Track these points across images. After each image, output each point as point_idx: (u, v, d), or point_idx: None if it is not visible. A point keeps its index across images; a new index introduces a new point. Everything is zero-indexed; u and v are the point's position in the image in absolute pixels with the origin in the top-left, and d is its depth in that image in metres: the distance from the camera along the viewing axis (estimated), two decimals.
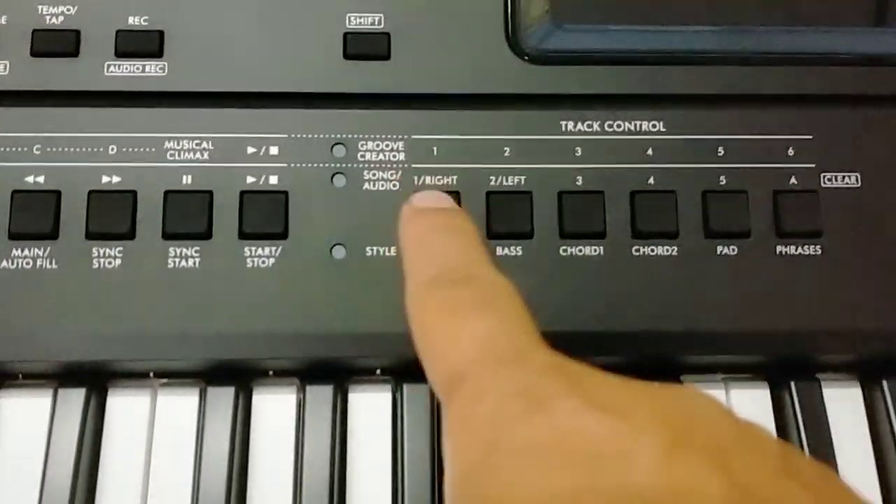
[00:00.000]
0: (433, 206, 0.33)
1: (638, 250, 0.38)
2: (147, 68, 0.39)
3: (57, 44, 0.38)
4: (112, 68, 0.38)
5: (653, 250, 0.38)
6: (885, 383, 0.39)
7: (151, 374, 0.38)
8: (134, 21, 0.39)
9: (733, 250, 0.38)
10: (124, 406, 0.38)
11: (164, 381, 0.38)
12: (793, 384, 0.39)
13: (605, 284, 0.38)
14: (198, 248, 0.37)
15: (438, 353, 0.27)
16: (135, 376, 0.38)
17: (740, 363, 0.39)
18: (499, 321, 0.27)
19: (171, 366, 0.38)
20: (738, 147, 0.39)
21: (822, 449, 0.38)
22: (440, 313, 0.28)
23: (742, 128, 0.39)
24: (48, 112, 0.38)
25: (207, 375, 0.38)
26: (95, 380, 0.38)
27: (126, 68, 0.39)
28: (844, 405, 0.39)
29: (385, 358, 0.38)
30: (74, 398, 0.37)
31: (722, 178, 0.39)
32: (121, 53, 0.38)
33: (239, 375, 0.38)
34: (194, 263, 0.37)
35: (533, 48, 0.40)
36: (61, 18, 0.39)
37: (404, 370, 0.38)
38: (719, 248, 0.38)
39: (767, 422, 0.39)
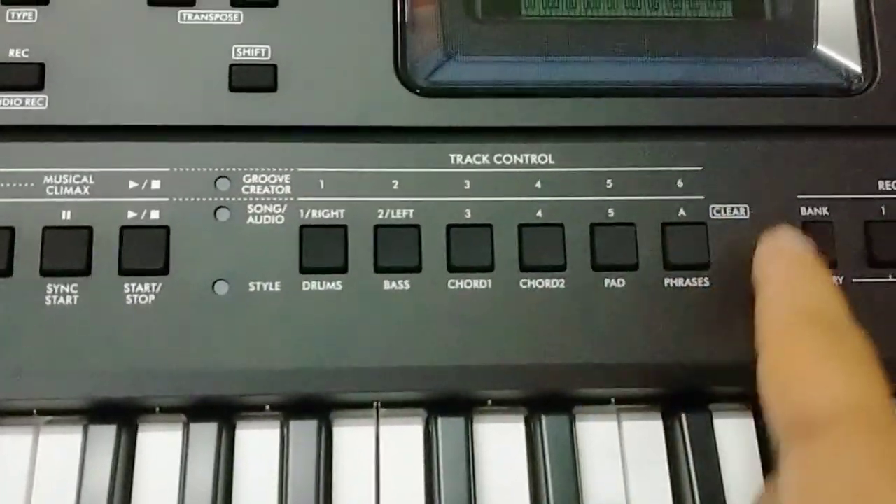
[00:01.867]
0: (798, 249, 0.35)
1: (526, 283, 0.38)
2: (27, 101, 0.38)
3: None
4: None
5: (541, 283, 0.38)
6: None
7: (35, 412, 0.38)
8: (14, 54, 0.38)
9: (621, 283, 0.38)
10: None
11: (48, 419, 0.38)
12: (684, 415, 0.39)
13: (495, 318, 0.38)
14: (76, 284, 0.37)
15: (800, 389, 0.28)
16: (17, 414, 0.38)
17: (633, 395, 0.39)
18: (875, 384, 0.28)
19: (53, 404, 0.37)
20: (626, 179, 0.39)
21: (712, 479, 0.38)
22: (812, 353, 0.29)
23: (630, 159, 0.39)
24: None
25: (90, 413, 0.37)
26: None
27: (5, 101, 0.38)
28: (735, 436, 0.39)
29: (272, 394, 0.38)
30: None
31: (610, 210, 0.39)
32: (0, 87, 0.38)
33: (125, 413, 0.37)
34: (72, 301, 0.36)
35: (422, 80, 0.40)
36: None
37: (293, 407, 0.38)
38: (607, 281, 0.38)
39: (659, 451, 0.39)
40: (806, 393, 0.28)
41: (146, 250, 0.37)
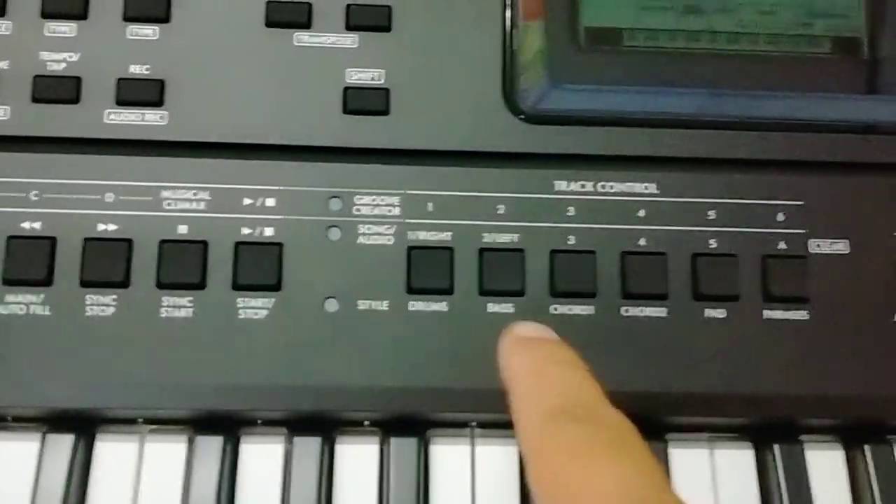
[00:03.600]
0: (539, 336, 0.33)
1: (627, 311, 0.39)
2: (147, 116, 0.39)
3: (58, 90, 0.39)
4: (112, 116, 0.39)
5: (642, 311, 0.39)
6: (867, 448, 0.39)
7: (140, 421, 0.38)
8: (135, 69, 0.39)
9: (721, 313, 0.39)
10: (112, 452, 0.38)
11: (153, 427, 0.39)
12: (776, 446, 0.39)
13: (595, 344, 0.38)
14: (191, 298, 0.37)
15: (567, 496, 0.26)
16: (124, 422, 0.38)
17: (726, 424, 0.40)
18: (635, 469, 0.26)
19: (161, 413, 0.38)
20: (728, 211, 0.40)
21: None
22: (570, 453, 0.26)
23: (734, 192, 0.40)
24: (46, 158, 0.38)
25: (196, 423, 0.38)
26: (84, 426, 0.38)
27: (126, 116, 0.39)
28: (826, 468, 0.40)
29: (374, 411, 0.38)
30: (63, 443, 0.37)
31: (712, 241, 0.39)
32: (121, 101, 0.39)
33: (227, 424, 0.38)
34: (187, 313, 0.37)
35: (529, 107, 0.40)
36: (63, 65, 0.39)
37: (392, 423, 0.39)
38: (707, 311, 0.39)
39: (751, 482, 0.39)
40: (570, 497, 0.25)
41: (260, 266, 0.38)
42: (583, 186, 0.40)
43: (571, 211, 0.39)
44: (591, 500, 0.25)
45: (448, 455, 0.39)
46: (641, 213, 0.40)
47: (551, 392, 0.29)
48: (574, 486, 0.26)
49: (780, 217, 0.40)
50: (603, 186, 0.40)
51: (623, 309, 0.39)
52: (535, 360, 0.31)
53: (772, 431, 0.40)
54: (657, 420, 0.39)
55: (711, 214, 0.40)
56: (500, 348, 0.33)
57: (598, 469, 0.26)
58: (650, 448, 0.37)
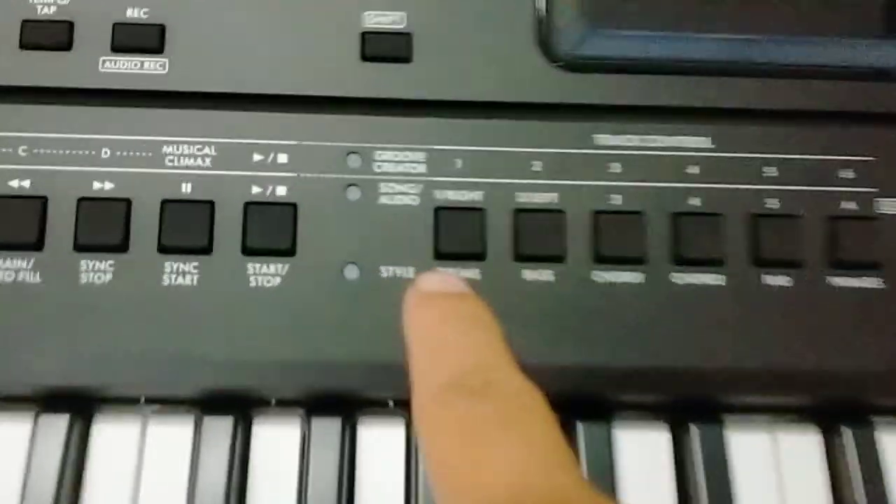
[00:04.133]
0: (443, 291, 0.29)
1: (679, 278, 0.35)
2: (146, 65, 0.35)
3: (48, 36, 0.35)
4: (108, 64, 0.35)
5: (695, 278, 0.35)
6: None
7: (142, 400, 0.35)
8: (133, 13, 0.36)
9: (783, 281, 0.35)
10: (111, 435, 0.34)
11: (156, 408, 0.35)
12: (845, 429, 0.35)
13: (642, 316, 0.35)
14: (196, 263, 0.34)
15: (458, 484, 0.23)
16: (124, 402, 0.35)
17: (788, 405, 0.36)
18: (528, 449, 0.23)
19: (164, 392, 0.35)
20: (789, 167, 0.36)
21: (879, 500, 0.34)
22: (459, 434, 0.24)
23: (796, 146, 0.36)
24: (36, 110, 0.35)
25: (203, 403, 0.35)
26: (81, 405, 0.35)
27: (123, 64, 0.35)
28: None
29: (400, 390, 0.34)
30: (57, 425, 0.34)
31: (772, 200, 0.35)
32: (117, 48, 0.35)
33: (238, 404, 0.35)
34: (192, 280, 0.34)
35: (566, 53, 0.36)
36: (54, 9, 0.35)
37: None
38: (767, 279, 0.35)
39: (818, 469, 0.35)
40: (460, 487, 0.23)
41: (272, 228, 0.34)
42: (628, 140, 0.36)
43: (615, 167, 0.36)
44: (478, 493, 0.22)
45: None
46: (693, 169, 0.36)
47: (445, 361, 0.26)
48: (458, 475, 0.23)
49: (848, 174, 0.36)
50: (650, 140, 0.36)
51: (674, 276, 0.35)
52: (432, 320, 0.28)
53: (840, 412, 0.36)
54: (713, 400, 0.36)
55: (770, 171, 0.36)
56: (405, 304, 0.29)
57: (484, 454, 0.23)
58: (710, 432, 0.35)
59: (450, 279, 0.29)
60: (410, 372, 0.27)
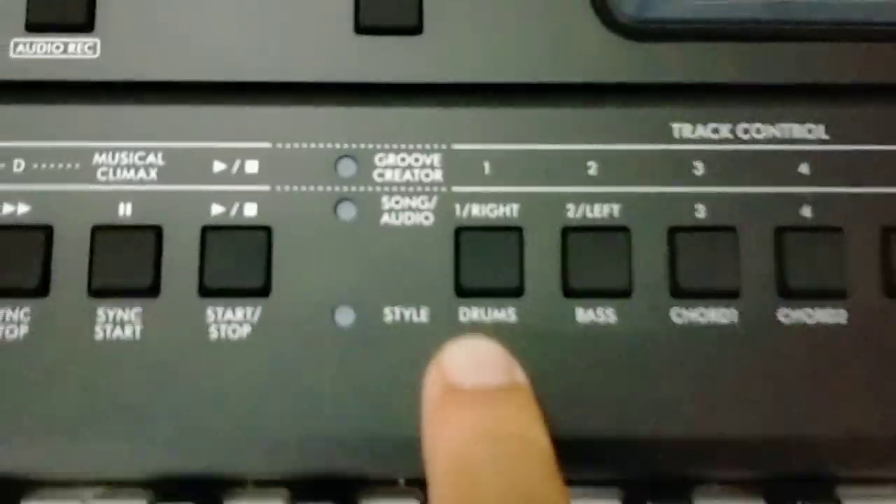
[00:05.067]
0: (479, 382, 0.22)
1: (787, 316, 0.26)
2: (70, 47, 0.27)
3: None
4: (20, 48, 0.27)
5: (809, 315, 0.26)
6: None
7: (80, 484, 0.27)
8: None
9: None
10: None
11: (98, 491, 0.27)
12: None
13: (739, 366, 0.26)
14: (139, 310, 0.26)
15: None
16: (58, 486, 0.27)
17: None
18: None
19: (106, 475, 0.27)
20: None
21: None
22: None
23: None
24: None
25: (156, 486, 0.27)
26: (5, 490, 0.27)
27: (41, 48, 0.27)
28: None
29: (411, 467, 0.26)
30: None
31: None
32: (33, 27, 0.27)
33: (202, 487, 0.27)
34: (134, 333, 0.26)
35: (632, 17, 0.28)
36: None
37: None
38: None
39: None
40: None
41: (238, 261, 0.26)
42: (715, 131, 0.27)
43: (699, 168, 0.27)
44: None
45: None
46: (804, 168, 0.27)
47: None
48: None
49: None
50: (745, 130, 0.27)
51: (781, 313, 0.26)
52: (462, 438, 0.21)
53: None
54: (829, 476, 0.27)
55: None
56: (423, 399, 0.23)
57: None
58: None
59: (489, 357, 0.22)
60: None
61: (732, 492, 0.28)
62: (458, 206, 0.27)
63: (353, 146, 0.27)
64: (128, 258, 0.26)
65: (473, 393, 0.22)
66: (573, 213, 0.27)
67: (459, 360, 0.22)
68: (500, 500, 0.19)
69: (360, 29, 0.28)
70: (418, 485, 0.28)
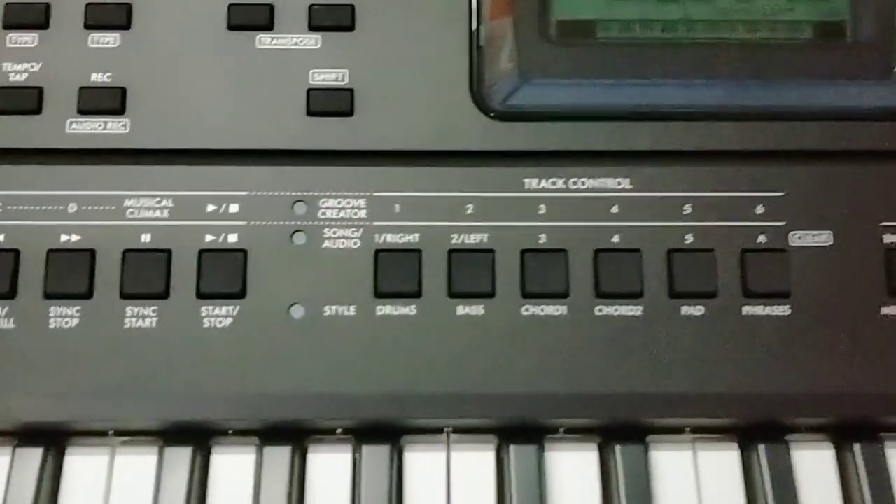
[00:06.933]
0: None
1: (601, 310, 0.38)
2: (109, 125, 0.38)
3: (20, 101, 0.38)
4: (74, 125, 0.38)
5: (616, 311, 0.38)
6: (857, 447, 0.38)
7: (111, 433, 0.38)
8: (97, 78, 0.39)
9: (699, 311, 0.38)
10: (81, 465, 0.37)
11: (123, 439, 0.38)
12: (761, 446, 0.38)
13: (569, 345, 0.37)
14: (155, 307, 0.37)
15: None
16: (94, 435, 0.38)
17: (708, 426, 0.39)
18: None
19: (129, 425, 0.38)
20: (705, 204, 0.38)
21: None
22: None
23: (710, 184, 0.39)
24: (9, 170, 0.38)
25: (166, 435, 0.38)
26: (54, 439, 0.38)
27: (88, 125, 0.38)
28: (815, 468, 0.38)
29: (344, 419, 0.37)
30: (32, 457, 0.37)
31: (688, 236, 0.38)
32: (83, 110, 0.38)
33: (197, 435, 0.38)
34: (151, 323, 0.37)
35: (497, 104, 0.39)
36: (25, 75, 0.39)
37: (365, 431, 0.38)
38: (684, 309, 0.38)
39: (736, 484, 0.38)
40: None
41: (224, 274, 0.37)
42: (553, 183, 0.39)
43: (542, 209, 0.38)
44: None
45: (422, 462, 0.38)
46: (615, 209, 0.38)
47: None
48: None
49: (760, 209, 0.39)
50: (574, 183, 0.39)
51: (597, 309, 0.38)
52: None
53: (758, 432, 0.38)
54: (637, 422, 0.38)
55: (687, 209, 0.38)
56: None
57: None
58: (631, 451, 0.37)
59: None
60: None
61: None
62: (377, 235, 0.38)
63: (305, 193, 0.38)
64: (147, 272, 0.37)
65: None
66: (456, 239, 0.38)
67: None
68: None
69: (311, 112, 0.39)
70: (353, 434, 0.38)
